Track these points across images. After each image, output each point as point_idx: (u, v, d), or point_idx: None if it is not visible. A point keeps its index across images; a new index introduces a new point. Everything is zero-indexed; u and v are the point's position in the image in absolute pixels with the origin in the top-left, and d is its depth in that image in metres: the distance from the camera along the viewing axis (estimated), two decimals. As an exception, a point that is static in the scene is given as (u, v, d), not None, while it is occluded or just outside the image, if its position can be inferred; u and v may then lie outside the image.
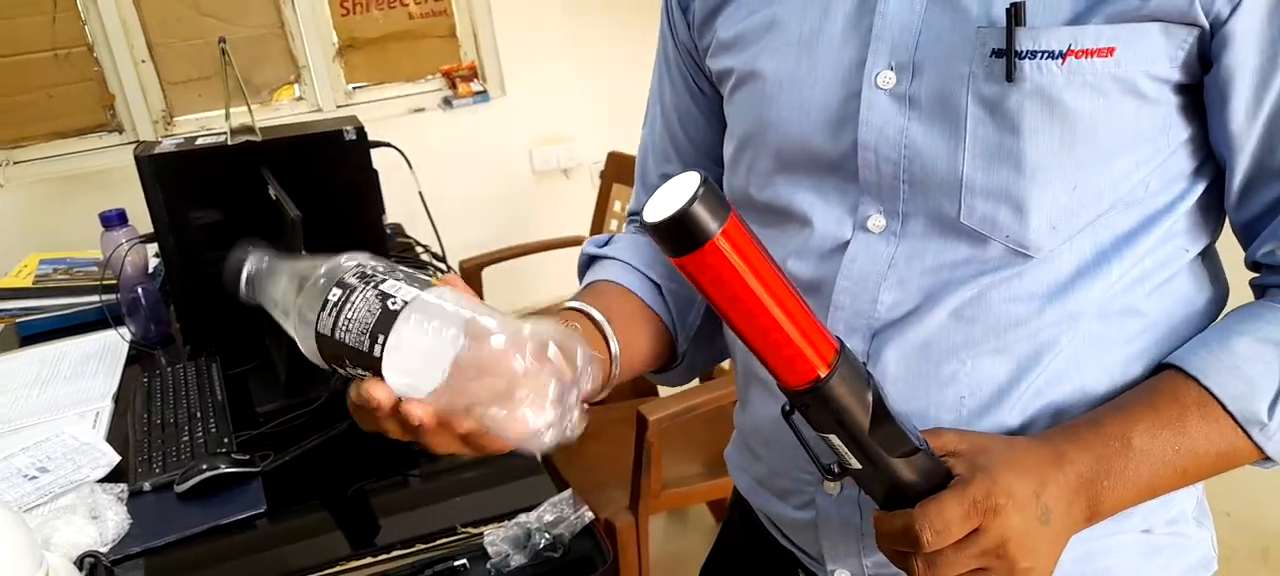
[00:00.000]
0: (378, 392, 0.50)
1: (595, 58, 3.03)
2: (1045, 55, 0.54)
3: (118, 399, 1.48)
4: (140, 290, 1.66)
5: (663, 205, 0.47)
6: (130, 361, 1.62)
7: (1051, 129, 0.56)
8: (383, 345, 0.49)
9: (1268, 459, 0.59)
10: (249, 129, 1.54)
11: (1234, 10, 0.53)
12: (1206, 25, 0.53)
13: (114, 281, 1.66)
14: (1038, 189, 0.57)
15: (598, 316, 0.69)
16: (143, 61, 2.65)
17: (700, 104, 0.78)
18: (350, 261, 0.53)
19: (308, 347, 0.53)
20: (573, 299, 0.73)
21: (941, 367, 0.61)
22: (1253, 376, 0.57)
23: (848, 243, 0.63)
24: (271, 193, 1.36)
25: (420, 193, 1.68)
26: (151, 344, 1.68)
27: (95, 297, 1.73)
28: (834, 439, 0.54)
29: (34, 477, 1.22)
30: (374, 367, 0.50)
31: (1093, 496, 0.56)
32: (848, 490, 0.68)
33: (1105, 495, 0.57)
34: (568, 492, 0.98)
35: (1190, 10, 0.53)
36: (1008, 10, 0.54)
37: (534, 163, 3.07)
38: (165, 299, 1.74)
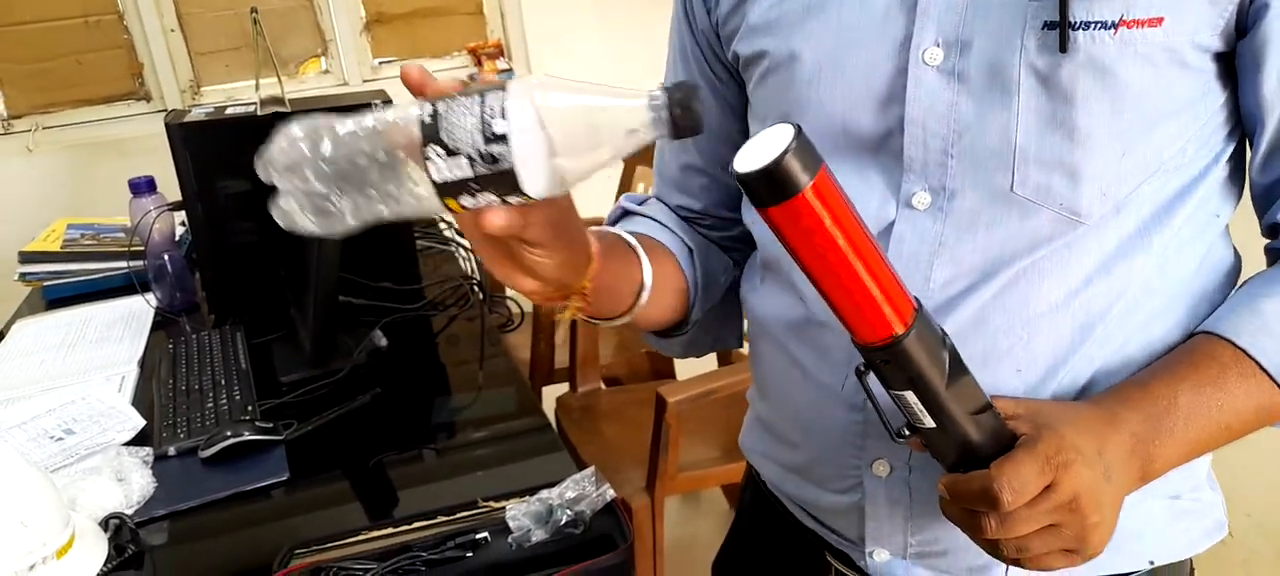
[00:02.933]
0: (498, 219, 0.49)
1: (621, 36, 3.02)
2: (1098, 26, 0.55)
3: (143, 364, 1.49)
4: (167, 257, 1.68)
5: (755, 155, 0.47)
6: (155, 328, 1.64)
7: (1103, 98, 0.56)
8: (505, 142, 0.47)
9: None
10: (278, 100, 1.55)
11: None
12: None
13: (141, 248, 1.67)
14: (1090, 156, 0.58)
15: (633, 243, 0.70)
16: (172, 31, 2.66)
17: (715, 93, 0.78)
18: (423, 112, 0.49)
19: (413, 196, 0.50)
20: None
21: (998, 342, 0.62)
22: None
23: (893, 222, 0.63)
24: (299, 164, 1.36)
25: (445, 168, 1.68)
26: (177, 311, 1.70)
27: (122, 263, 1.75)
28: (909, 397, 0.54)
29: (60, 439, 1.24)
30: (503, 178, 0.48)
31: (1146, 455, 0.58)
32: (898, 471, 0.68)
33: (1157, 453, 0.58)
34: (590, 470, 0.98)
35: None
36: None
37: (557, 143, 3.06)
38: (191, 267, 1.75)
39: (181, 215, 1.70)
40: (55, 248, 1.85)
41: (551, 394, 2.05)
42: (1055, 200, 0.59)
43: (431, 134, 0.48)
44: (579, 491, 0.95)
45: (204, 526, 1.07)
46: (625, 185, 2.35)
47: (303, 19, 2.80)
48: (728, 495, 2.23)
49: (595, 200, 2.76)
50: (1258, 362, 0.59)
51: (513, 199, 0.49)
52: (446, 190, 0.49)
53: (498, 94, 0.48)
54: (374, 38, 2.88)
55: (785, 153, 0.46)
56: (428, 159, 0.48)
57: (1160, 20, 0.54)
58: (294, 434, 1.22)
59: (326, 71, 2.86)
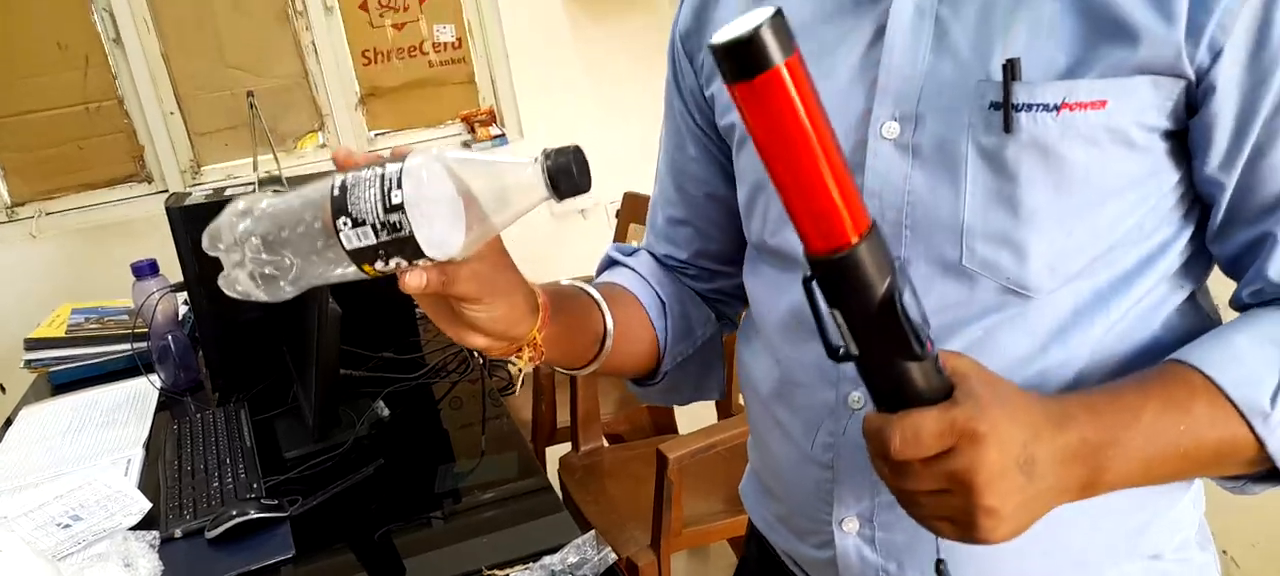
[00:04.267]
0: (413, 279, 0.54)
1: (611, 100, 3.08)
2: (1040, 108, 0.57)
3: (148, 446, 1.51)
4: (170, 338, 1.70)
5: (730, 30, 0.46)
6: (160, 408, 1.66)
7: (1047, 177, 0.58)
8: (402, 210, 0.52)
9: (1261, 473, 0.60)
10: (276, 178, 1.58)
11: (1215, 60, 0.55)
12: (1192, 77, 0.55)
13: (145, 330, 1.70)
14: (1035, 233, 0.59)
15: (596, 295, 0.74)
16: (171, 113, 2.72)
17: (704, 153, 0.81)
18: (333, 187, 0.54)
19: (335, 263, 0.55)
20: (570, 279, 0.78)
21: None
22: (1254, 367, 0.58)
23: None
24: (298, 242, 1.39)
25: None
26: (181, 391, 1.72)
27: (126, 346, 1.77)
28: (838, 317, 0.52)
29: (67, 526, 1.25)
30: (405, 243, 0.53)
31: (1096, 464, 0.55)
32: (865, 529, 0.69)
33: (1110, 464, 0.56)
34: (591, 534, 0.99)
35: (1177, 63, 0.55)
36: (1003, 65, 0.57)
37: (552, 205, 3.10)
38: (193, 346, 1.78)
39: (183, 295, 1.73)
40: (60, 333, 1.88)
41: (555, 454, 2.06)
42: (1002, 274, 0.61)
43: (340, 206, 0.53)
44: (581, 555, 0.96)
45: (212, 607, 1.08)
46: (619, 240, 2.39)
47: (299, 96, 2.86)
48: (734, 548, 2.22)
49: (591, 261, 2.78)
50: (1226, 393, 0.58)
51: (420, 261, 0.54)
52: (359, 256, 0.54)
53: (397, 165, 0.53)
54: (369, 111, 2.94)
55: (761, 26, 0.45)
56: (338, 229, 0.53)
57: (1103, 103, 0.56)
58: (299, 510, 1.23)
59: (323, 146, 2.91)
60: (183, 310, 1.85)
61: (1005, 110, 0.57)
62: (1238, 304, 0.63)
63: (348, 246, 0.53)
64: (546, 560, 0.96)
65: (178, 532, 1.21)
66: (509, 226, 0.55)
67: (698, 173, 0.81)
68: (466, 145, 2.98)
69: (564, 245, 3.13)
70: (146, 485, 1.36)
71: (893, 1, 0.62)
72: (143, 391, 1.72)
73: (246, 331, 1.62)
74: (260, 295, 0.57)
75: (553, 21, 2.96)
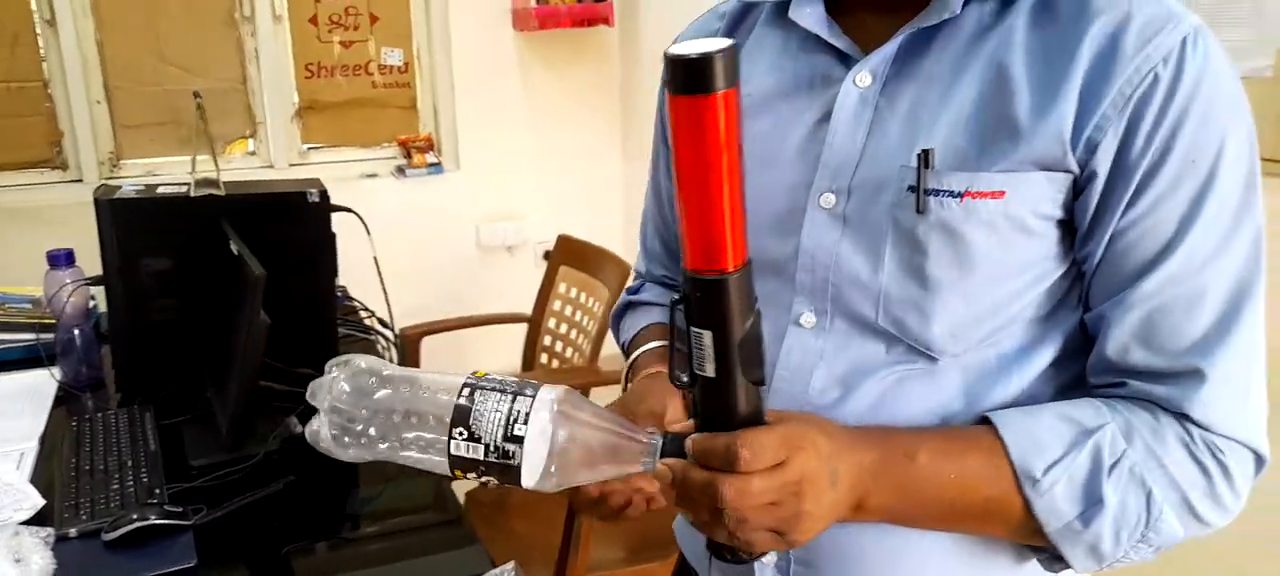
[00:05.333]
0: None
1: (550, 143, 3.13)
2: (947, 194, 0.65)
3: (43, 441, 1.45)
4: (77, 332, 1.65)
5: (688, 47, 0.52)
6: (56, 403, 1.59)
7: (952, 254, 0.66)
8: (520, 444, 0.59)
9: (1037, 543, 0.66)
10: (213, 182, 1.57)
11: (1091, 156, 0.63)
12: (1078, 171, 0.64)
13: (53, 321, 1.64)
14: (939, 302, 0.67)
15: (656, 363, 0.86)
16: (98, 102, 2.65)
17: None
18: (460, 392, 0.60)
19: (430, 457, 0.60)
20: (638, 351, 0.89)
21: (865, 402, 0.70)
22: (1042, 436, 0.64)
23: (785, 335, 0.73)
24: (233, 248, 1.38)
25: (375, 258, 1.71)
26: (81, 387, 1.66)
27: (29, 335, 1.71)
28: (706, 338, 0.57)
29: (-50, 515, 1.20)
30: (507, 470, 0.59)
31: (866, 489, 0.63)
32: (780, 562, 0.75)
33: (874, 492, 0.63)
34: (510, 565, 1.01)
35: (1064, 160, 0.63)
36: (919, 154, 0.65)
37: (480, 238, 3.12)
38: (97, 342, 1.72)
39: (95, 290, 1.68)
40: (-45, 314, 1.79)
41: (461, 488, 2.06)
42: (911, 334, 0.69)
43: (461, 418, 0.58)
44: (497, 586, 0.97)
45: (103, 612, 1.05)
46: (549, 281, 2.41)
47: (234, 101, 2.82)
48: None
49: (513, 298, 2.80)
50: (1006, 450, 0.64)
51: (509, 484, 0.59)
52: (458, 464, 0.59)
53: (527, 400, 0.59)
54: (305, 124, 2.91)
55: (716, 54, 0.51)
56: (452, 436, 0.58)
57: (1002, 194, 0.64)
58: (203, 520, 1.20)
59: (253, 153, 2.87)
60: (92, 305, 1.79)
61: (918, 194, 0.65)
62: (1088, 387, 0.70)
63: (454, 452, 0.59)
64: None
65: (73, 532, 1.17)
66: (604, 480, 0.64)
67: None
68: (400, 171, 2.97)
69: (488, 279, 3.14)
70: (39, 481, 1.31)
71: (840, 90, 0.70)
72: (40, 384, 1.66)
73: (159, 333, 1.58)
74: (343, 455, 0.61)
75: (502, 59, 3.00)
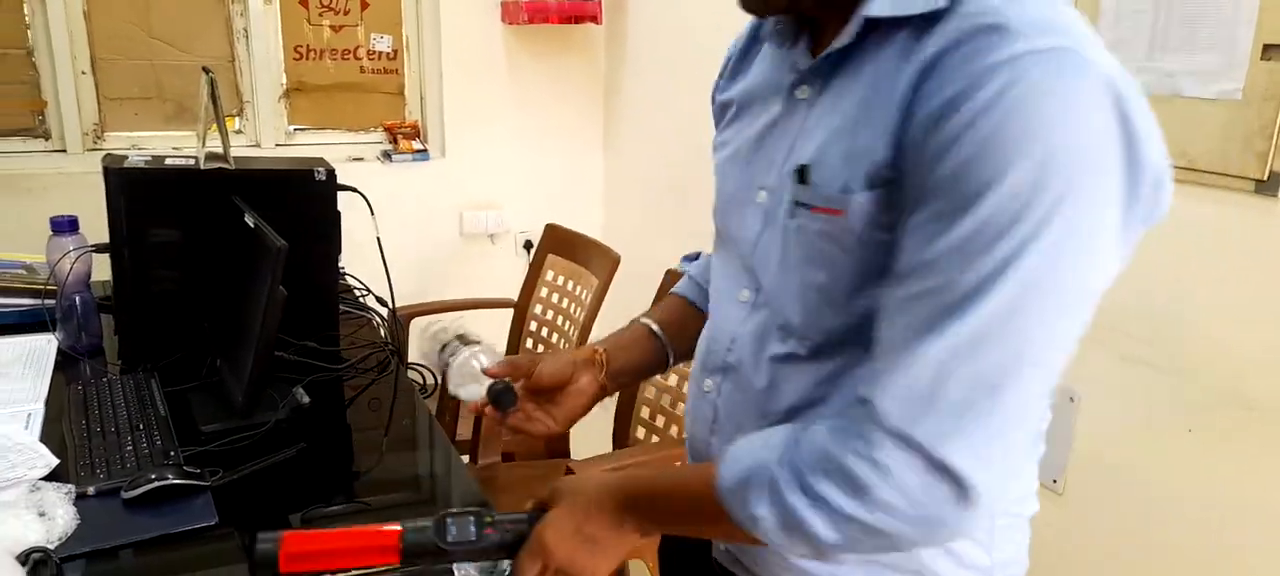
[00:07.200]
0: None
1: (535, 134, 3.17)
2: (807, 206, 0.74)
3: (48, 403, 1.47)
4: (78, 298, 1.66)
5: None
6: (55, 369, 1.61)
7: (814, 260, 0.75)
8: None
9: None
10: (220, 156, 1.59)
11: (901, 174, 0.67)
12: (898, 187, 0.68)
13: (55, 287, 1.65)
14: (803, 300, 0.77)
15: (650, 325, 1.07)
16: (83, 73, 2.63)
17: None
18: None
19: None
20: (649, 313, 1.10)
21: (756, 402, 0.83)
22: (747, 447, 0.72)
23: (734, 305, 0.86)
24: (248, 221, 1.41)
25: (378, 238, 1.75)
26: (81, 354, 1.67)
27: (30, 300, 1.71)
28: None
29: (-36, 472, 1.21)
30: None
31: (636, 512, 0.79)
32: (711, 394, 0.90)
33: (633, 515, 0.79)
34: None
35: (890, 175, 0.68)
36: (796, 169, 0.75)
37: (463, 225, 3.15)
38: (99, 310, 1.73)
39: (98, 258, 1.69)
40: (-51, 279, 1.79)
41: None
42: (795, 321, 0.78)
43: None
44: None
45: (130, 567, 1.08)
46: (536, 268, 2.46)
47: (222, 79, 2.80)
48: (611, 578, 2.30)
49: (494, 284, 2.84)
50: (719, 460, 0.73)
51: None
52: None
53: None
54: (292, 105, 2.92)
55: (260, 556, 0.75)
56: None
57: (842, 211, 0.71)
58: (220, 481, 1.24)
59: (240, 132, 2.87)
60: (94, 273, 1.80)
61: (793, 204, 0.76)
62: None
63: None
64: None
65: (91, 490, 1.19)
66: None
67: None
68: (386, 156, 2.99)
69: (470, 266, 3.18)
70: (48, 442, 1.33)
71: (786, 101, 0.80)
72: (40, 348, 1.67)
73: (164, 302, 1.61)
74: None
75: (490, 49, 3.04)
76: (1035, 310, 0.61)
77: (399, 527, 0.76)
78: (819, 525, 0.66)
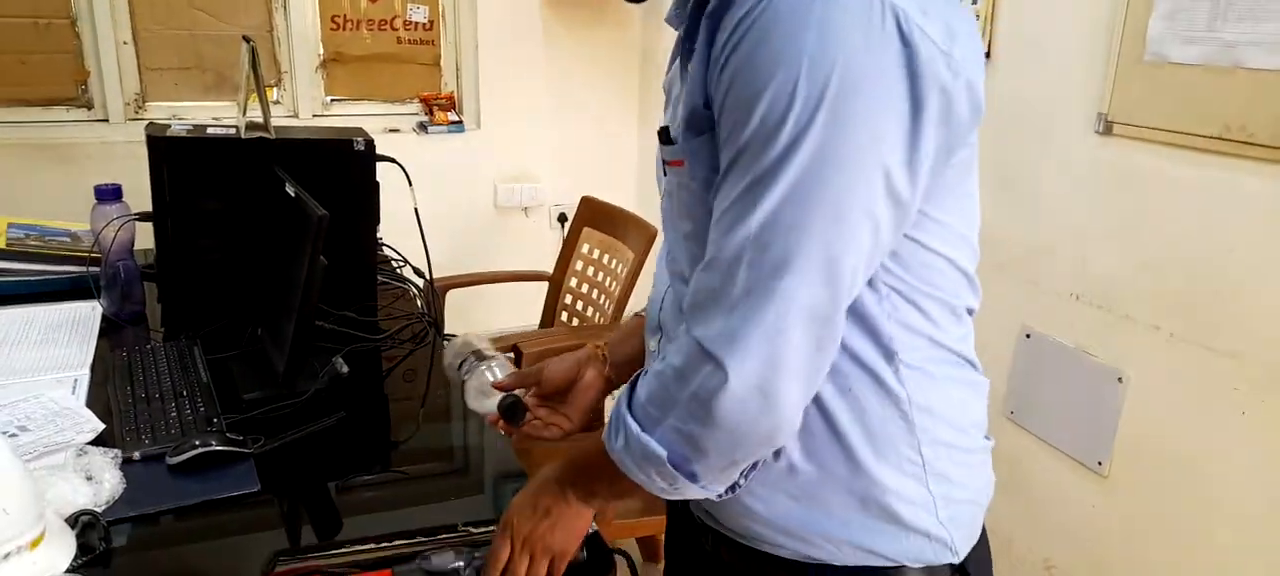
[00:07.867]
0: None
1: (570, 107, 3.16)
2: (666, 163, 0.84)
3: (93, 369, 1.49)
4: (121, 266, 1.68)
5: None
6: (99, 335, 1.63)
7: (680, 209, 0.84)
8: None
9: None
10: (261, 126, 1.60)
11: (714, 115, 0.74)
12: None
13: (99, 254, 1.67)
14: (684, 246, 0.85)
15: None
16: (124, 43, 2.65)
17: None
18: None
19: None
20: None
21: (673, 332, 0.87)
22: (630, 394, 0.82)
23: (661, 268, 0.95)
24: (289, 190, 1.42)
25: (416, 210, 1.75)
26: (123, 321, 1.69)
27: (75, 267, 1.74)
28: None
29: (14, 436, 1.24)
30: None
31: (573, 483, 0.88)
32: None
33: (577, 489, 0.87)
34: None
35: (713, 123, 0.75)
36: (659, 130, 0.84)
37: (498, 197, 3.15)
38: (141, 278, 1.75)
39: (141, 226, 1.71)
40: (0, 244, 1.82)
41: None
42: (677, 265, 0.87)
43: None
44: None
45: (177, 531, 1.10)
46: (572, 241, 2.45)
47: (260, 49, 2.81)
48: (643, 548, 2.30)
49: (528, 257, 2.85)
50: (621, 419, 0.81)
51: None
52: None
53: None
54: (329, 76, 2.93)
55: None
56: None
57: (683, 162, 0.79)
58: (262, 449, 1.25)
59: (278, 102, 2.88)
60: (138, 241, 1.82)
61: (664, 163, 0.85)
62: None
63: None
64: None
65: (137, 455, 1.21)
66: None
67: None
68: (422, 127, 2.99)
69: (503, 238, 3.18)
70: (95, 407, 1.35)
71: (680, 78, 0.84)
72: (84, 315, 1.69)
73: (207, 270, 1.62)
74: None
75: (527, 21, 3.02)
76: (813, 204, 0.68)
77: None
78: (647, 439, 0.76)
